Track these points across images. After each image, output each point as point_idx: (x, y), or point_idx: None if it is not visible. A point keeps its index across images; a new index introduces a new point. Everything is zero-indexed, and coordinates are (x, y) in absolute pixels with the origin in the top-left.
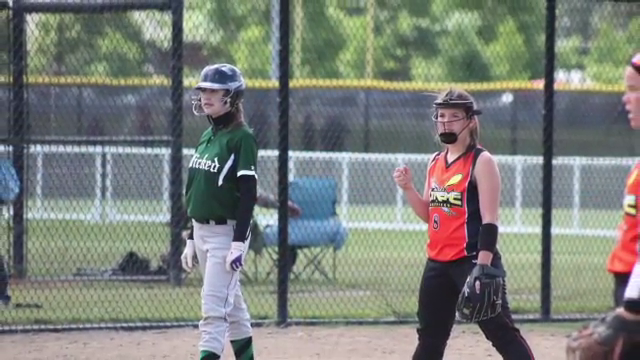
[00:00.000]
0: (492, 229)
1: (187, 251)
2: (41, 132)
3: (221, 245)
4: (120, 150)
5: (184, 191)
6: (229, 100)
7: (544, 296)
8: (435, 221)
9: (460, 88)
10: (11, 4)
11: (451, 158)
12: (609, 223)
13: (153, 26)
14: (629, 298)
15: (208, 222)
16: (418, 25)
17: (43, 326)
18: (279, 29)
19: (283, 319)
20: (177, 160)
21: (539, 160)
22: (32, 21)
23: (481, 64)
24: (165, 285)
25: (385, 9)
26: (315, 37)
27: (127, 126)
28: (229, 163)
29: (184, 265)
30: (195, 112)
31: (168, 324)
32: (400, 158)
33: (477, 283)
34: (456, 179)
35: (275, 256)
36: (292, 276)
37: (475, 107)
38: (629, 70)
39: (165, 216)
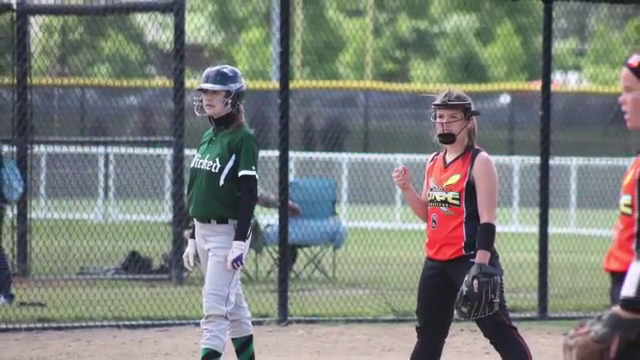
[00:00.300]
0: (490, 228)
1: (189, 250)
2: (44, 133)
3: (222, 244)
4: (123, 150)
5: (186, 191)
6: (230, 101)
7: (541, 294)
8: (434, 220)
9: (458, 89)
10: (15, 6)
11: (449, 158)
12: (605, 222)
13: (155, 28)
14: (625, 296)
15: (209, 221)
16: (417, 27)
17: (46, 324)
18: (279, 31)
19: (283, 317)
20: (179, 160)
21: (536, 160)
22: (36, 23)
23: (479, 65)
24: (167, 284)
25: (384, 11)
26: (315, 39)
27: (129, 127)
28: (230, 163)
29: (186, 264)
30: (197, 113)
31: (170, 322)
32: (399, 158)
33: (475, 282)
34: (454, 179)
35: (276, 255)
36: (292, 275)
37: (473, 108)
38: (625, 71)
39: (167, 216)
